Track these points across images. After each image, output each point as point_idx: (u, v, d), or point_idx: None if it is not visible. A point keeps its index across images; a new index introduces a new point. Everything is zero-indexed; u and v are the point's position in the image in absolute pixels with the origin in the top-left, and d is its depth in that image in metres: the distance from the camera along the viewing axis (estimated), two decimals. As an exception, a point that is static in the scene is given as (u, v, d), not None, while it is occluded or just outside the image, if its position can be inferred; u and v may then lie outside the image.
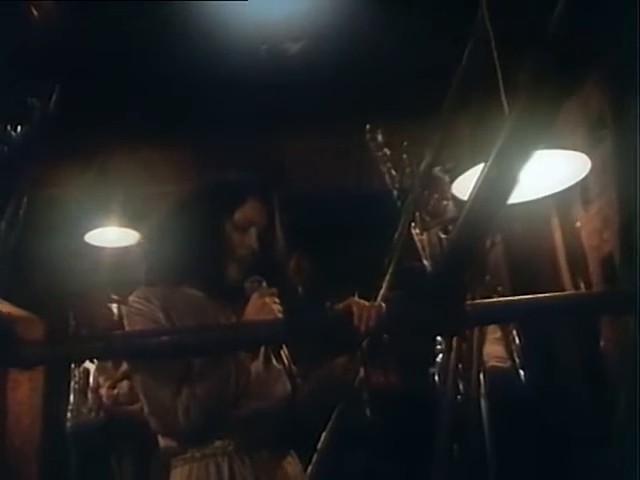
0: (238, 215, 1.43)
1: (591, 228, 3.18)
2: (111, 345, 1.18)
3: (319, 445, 2.06)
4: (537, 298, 1.26)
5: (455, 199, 2.49)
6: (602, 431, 2.61)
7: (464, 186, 1.98)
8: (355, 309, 1.26)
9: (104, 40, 3.12)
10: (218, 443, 1.31)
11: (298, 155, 3.68)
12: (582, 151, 2.26)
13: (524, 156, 1.03)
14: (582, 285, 3.21)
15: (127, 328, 1.35)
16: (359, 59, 3.34)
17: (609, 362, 2.88)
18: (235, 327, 1.39)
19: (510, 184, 1.08)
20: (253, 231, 1.42)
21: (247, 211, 1.43)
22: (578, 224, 3.29)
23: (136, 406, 3.25)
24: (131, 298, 1.39)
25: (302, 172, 3.68)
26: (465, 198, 2.07)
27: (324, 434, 2.06)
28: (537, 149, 1.22)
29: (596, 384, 2.93)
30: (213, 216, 1.42)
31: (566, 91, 0.99)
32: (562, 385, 3.11)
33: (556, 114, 0.97)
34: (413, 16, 3.20)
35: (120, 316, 3.33)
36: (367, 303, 1.29)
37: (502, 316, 1.46)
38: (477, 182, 1.08)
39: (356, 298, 1.31)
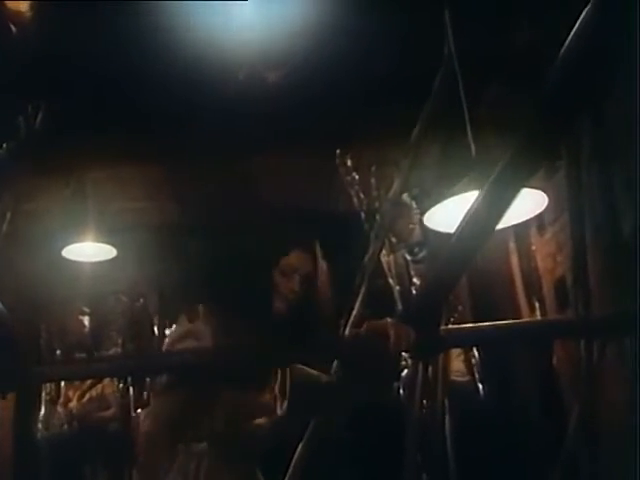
0: (283, 263, 1.64)
1: (546, 252, 3.38)
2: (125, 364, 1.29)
3: (294, 459, 2.17)
4: (510, 324, 1.42)
5: (423, 226, 2.65)
6: (553, 445, 2.79)
7: (438, 217, 2.13)
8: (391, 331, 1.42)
9: (82, 57, 3.19)
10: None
11: (269, 174, 3.80)
12: (539, 183, 2.44)
13: (515, 192, 1.17)
14: (537, 305, 3.41)
15: None
16: (331, 83, 3.48)
17: (561, 379, 3.07)
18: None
19: (498, 218, 1.21)
20: (297, 277, 1.63)
21: (291, 260, 1.65)
22: (533, 248, 3.49)
23: (108, 412, 3.31)
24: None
25: (273, 191, 3.80)
26: (439, 229, 2.22)
27: (299, 448, 2.17)
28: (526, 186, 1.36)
29: (548, 400, 3.12)
30: (263, 265, 1.62)
31: (563, 132, 1.12)
32: (517, 399, 3.29)
33: (553, 153, 1.09)
34: (386, 43, 3.36)
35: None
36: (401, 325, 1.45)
37: (476, 341, 1.61)
38: (467, 214, 1.21)
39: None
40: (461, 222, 1.20)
